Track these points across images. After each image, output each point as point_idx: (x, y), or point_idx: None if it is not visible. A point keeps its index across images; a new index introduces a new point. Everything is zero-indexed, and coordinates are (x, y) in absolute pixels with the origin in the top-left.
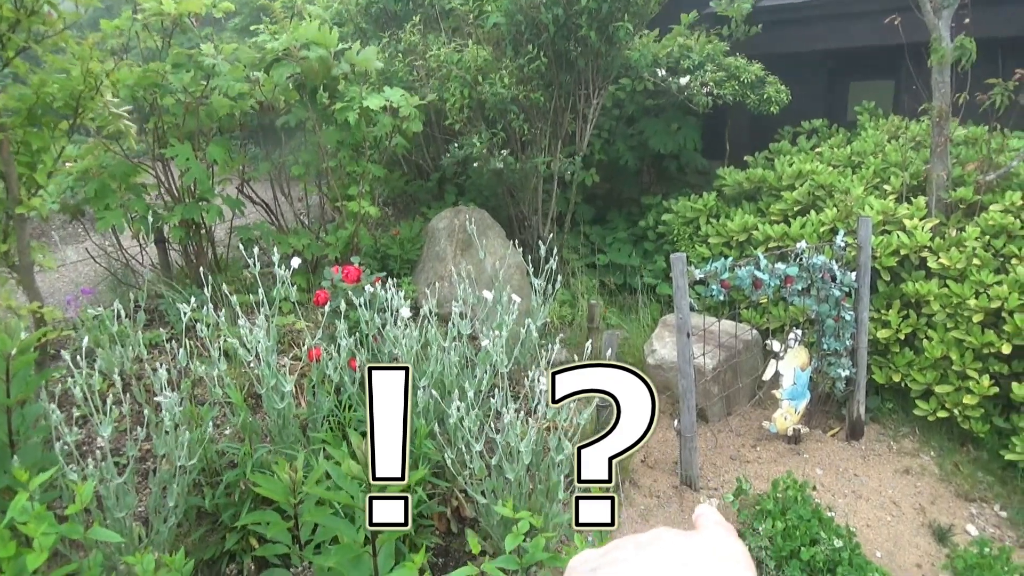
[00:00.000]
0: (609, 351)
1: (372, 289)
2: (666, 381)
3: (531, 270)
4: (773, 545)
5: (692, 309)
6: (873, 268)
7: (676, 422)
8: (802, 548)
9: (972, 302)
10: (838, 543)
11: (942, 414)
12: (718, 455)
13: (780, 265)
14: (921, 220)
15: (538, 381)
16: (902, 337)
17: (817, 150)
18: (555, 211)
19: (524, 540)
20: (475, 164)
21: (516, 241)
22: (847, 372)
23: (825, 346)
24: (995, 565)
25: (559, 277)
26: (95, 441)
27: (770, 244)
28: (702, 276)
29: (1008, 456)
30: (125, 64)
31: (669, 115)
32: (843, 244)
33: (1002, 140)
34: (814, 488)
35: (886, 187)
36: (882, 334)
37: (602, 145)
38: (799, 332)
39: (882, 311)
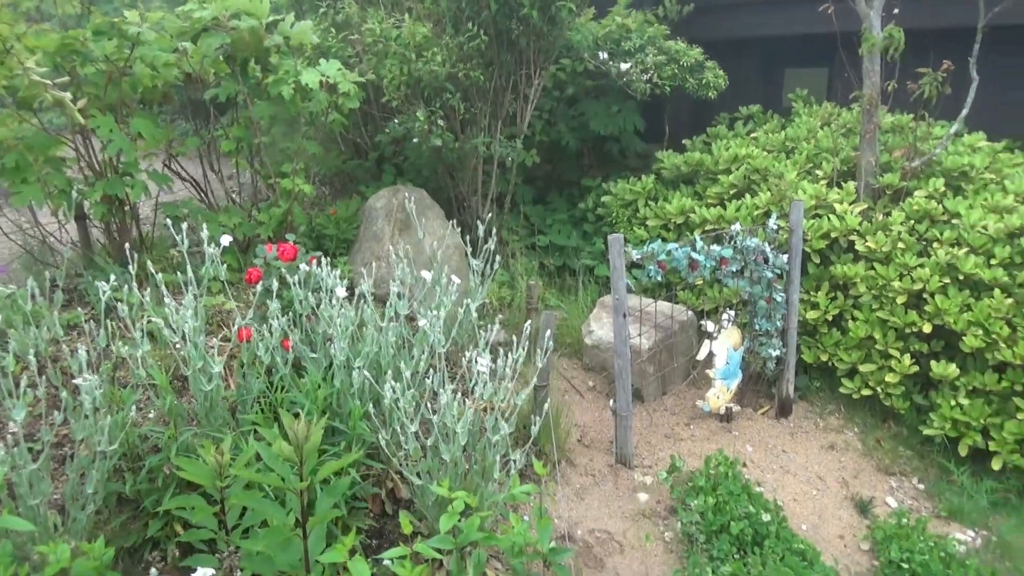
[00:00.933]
0: (548, 332)
1: (307, 268)
2: (603, 361)
3: (469, 251)
4: (704, 520)
5: (629, 290)
6: (804, 251)
7: (612, 402)
8: (731, 522)
9: (896, 284)
10: (766, 517)
11: (866, 392)
12: (653, 433)
13: (715, 247)
14: (851, 204)
15: (475, 361)
16: (830, 318)
17: (753, 135)
18: (495, 192)
19: (459, 520)
20: (415, 140)
21: (455, 222)
22: (777, 352)
23: (757, 327)
24: (912, 535)
25: (498, 258)
26: (7, 426)
27: (707, 227)
28: (639, 257)
29: (926, 431)
30: (39, 28)
31: (610, 98)
32: (775, 227)
33: (927, 128)
34: (744, 465)
35: (818, 172)
36: (811, 315)
37: (543, 126)
38: (732, 313)
39: (811, 293)
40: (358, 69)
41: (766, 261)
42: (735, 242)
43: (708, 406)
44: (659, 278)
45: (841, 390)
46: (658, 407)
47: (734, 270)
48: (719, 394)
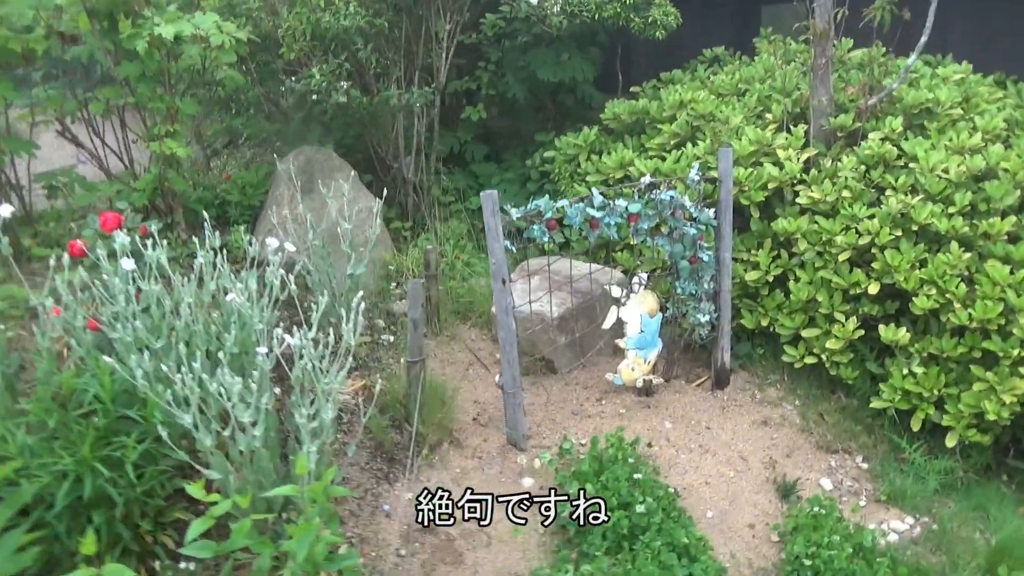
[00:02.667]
0: (416, 302)
1: (129, 238)
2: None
3: (380, 212)
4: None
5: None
6: (744, 205)
7: (498, 376)
8: (610, 513)
9: (840, 239)
10: (639, 508)
11: (810, 360)
12: (559, 410)
13: (621, 202)
14: (799, 151)
15: (347, 331)
16: (771, 279)
17: (712, 78)
18: (436, 150)
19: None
20: (314, 98)
21: (381, 184)
22: (707, 317)
23: (680, 290)
24: (825, 524)
25: (427, 222)
26: None
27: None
28: (520, 216)
29: (875, 403)
30: None
31: (559, 44)
32: (697, 177)
33: (884, 61)
34: (649, 444)
35: (768, 116)
36: (751, 276)
37: (490, 78)
38: (644, 276)
39: (752, 251)
40: (251, 20)
41: (691, 218)
42: (648, 195)
43: (620, 379)
44: (545, 238)
45: (784, 358)
46: (571, 380)
47: (647, 227)
48: (633, 366)
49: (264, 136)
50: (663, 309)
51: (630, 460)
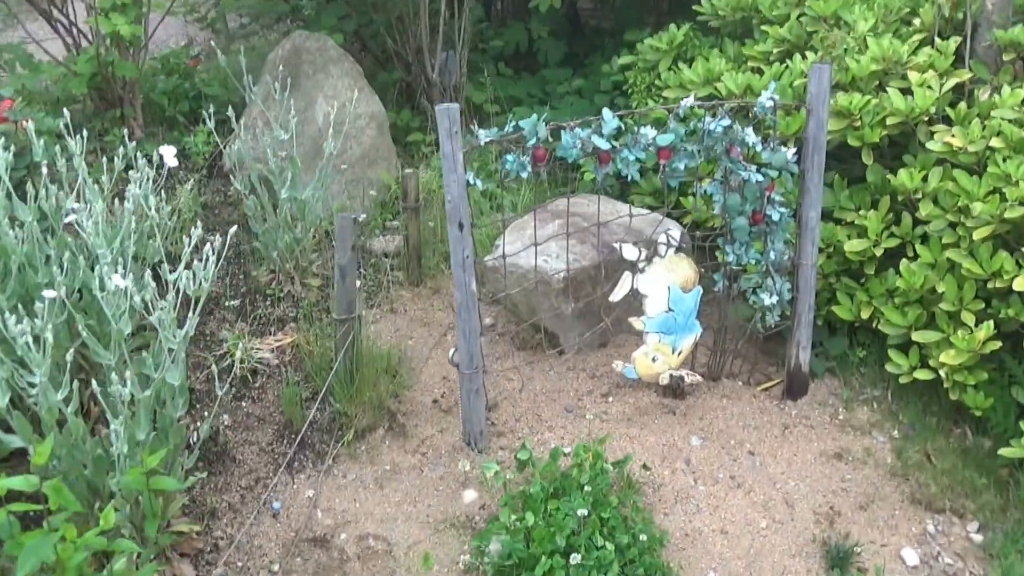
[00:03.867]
0: (349, 247)
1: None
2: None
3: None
4: (503, 549)
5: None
6: (854, 146)
7: (452, 351)
8: (543, 557)
9: (980, 206)
10: (575, 559)
11: (923, 375)
12: (550, 403)
13: (647, 130)
14: (945, 74)
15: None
16: (881, 253)
17: None
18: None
19: None
20: None
21: (406, 86)
22: (774, 299)
23: (732, 257)
24: None
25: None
26: None
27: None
28: (489, 140)
29: (1009, 451)
30: None
31: None
32: (770, 103)
33: None
34: (645, 467)
35: (916, 22)
36: (853, 246)
37: None
38: (676, 234)
39: (861, 211)
40: None
41: (751, 158)
42: (691, 126)
43: (633, 371)
44: (524, 173)
45: (888, 367)
46: (578, 364)
47: (682, 167)
48: (655, 355)
49: (278, 16)
50: (703, 279)
51: (605, 483)
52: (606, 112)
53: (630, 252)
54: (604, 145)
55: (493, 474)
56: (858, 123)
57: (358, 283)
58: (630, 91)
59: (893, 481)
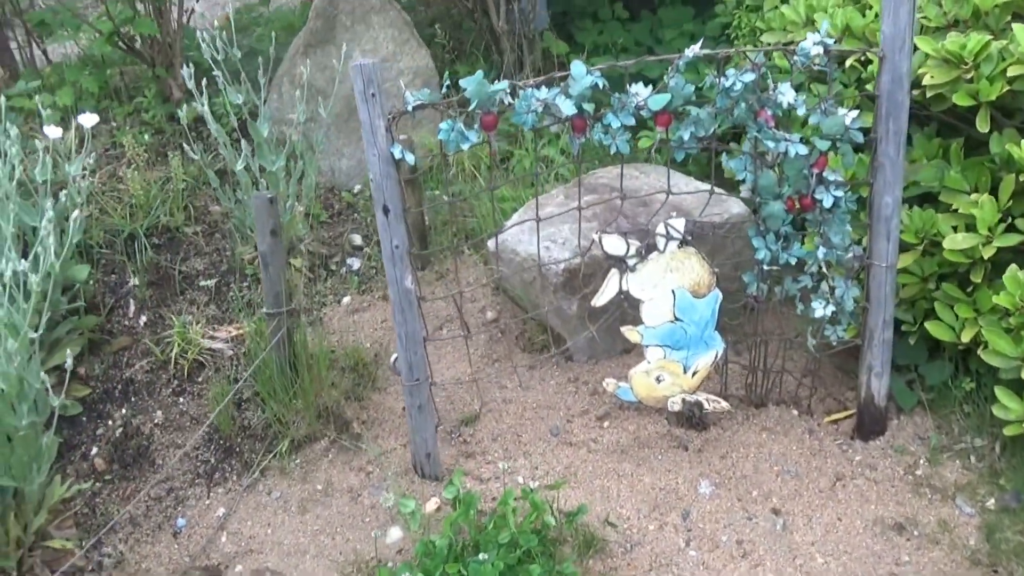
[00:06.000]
0: (268, 231)
1: None
2: (509, 277)
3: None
4: None
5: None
6: (960, 108)
7: (393, 358)
8: None
9: None
10: None
11: None
12: (536, 422)
13: (637, 89)
14: None
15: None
16: (995, 253)
17: None
18: None
19: None
20: None
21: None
22: (829, 310)
23: (763, 255)
24: None
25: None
26: None
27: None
28: (420, 104)
29: None
30: None
31: None
32: (818, 48)
33: None
34: (609, 522)
35: None
36: (956, 242)
37: None
38: (679, 224)
39: (971, 192)
40: None
41: (779, 125)
42: (708, 81)
43: (630, 392)
44: (466, 145)
45: (995, 410)
46: (581, 375)
47: (686, 136)
48: (660, 374)
49: None
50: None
51: (531, 542)
52: (576, 66)
53: (614, 245)
54: (568, 109)
55: (410, 513)
56: (970, 75)
57: (356, 265)
58: (735, 35)
59: (974, 572)
